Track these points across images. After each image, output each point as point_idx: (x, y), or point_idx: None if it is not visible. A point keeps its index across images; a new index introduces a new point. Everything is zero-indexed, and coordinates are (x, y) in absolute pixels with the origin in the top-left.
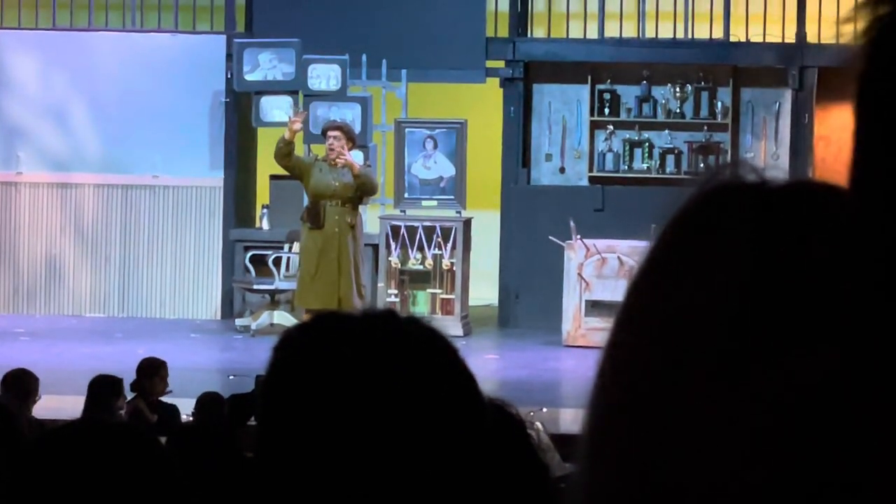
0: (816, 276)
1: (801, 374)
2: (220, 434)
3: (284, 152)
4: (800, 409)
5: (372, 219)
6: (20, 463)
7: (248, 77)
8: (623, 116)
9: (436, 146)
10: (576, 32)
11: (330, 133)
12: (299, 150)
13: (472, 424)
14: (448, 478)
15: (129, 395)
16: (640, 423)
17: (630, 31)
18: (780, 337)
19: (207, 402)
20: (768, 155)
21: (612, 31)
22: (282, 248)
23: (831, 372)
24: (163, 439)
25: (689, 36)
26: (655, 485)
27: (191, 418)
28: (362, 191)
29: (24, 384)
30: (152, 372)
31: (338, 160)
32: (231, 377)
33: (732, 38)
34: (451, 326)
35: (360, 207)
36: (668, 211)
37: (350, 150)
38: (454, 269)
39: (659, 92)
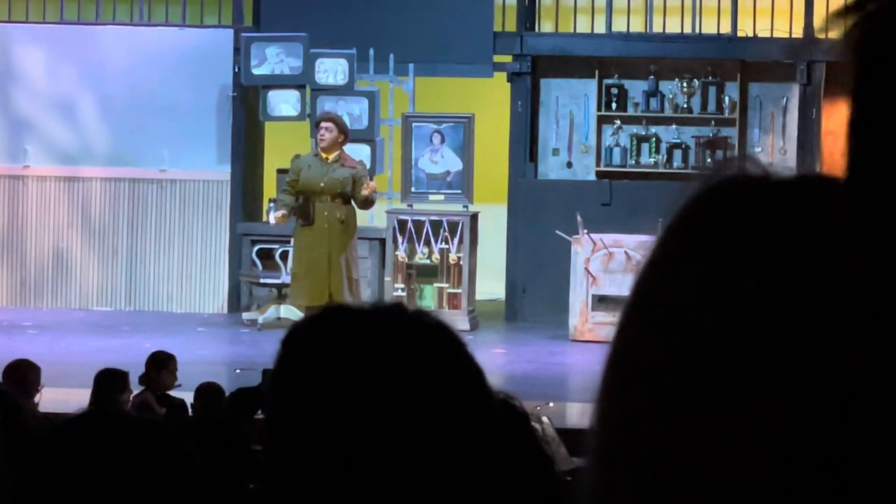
0: (821, 270)
1: (812, 372)
2: (228, 426)
3: (287, 213)
4: (811, 407)
5: (379, 213)
6: (32, 455)
7: (256, 71)
8: (630, 111)
9: (443, 140)
10: (583, 27)
11: (322, 125)
12: (306, 144)
13: (481, 418)
14: (455, 471)
15: (138, 389)
16: (647, 417)
17: (637, 26)
18: (787, 332)
19: (207, 393)
20: (776, 150)
21: (619, 25)
22: (289, 242)
23: (841, 370)
24: None
25: (697, 30)
26: (664, 479)
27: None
28: (358, 204)
29: (24, 375)
30: (161, 365)
31: (365, 190)
32: (238, 371)
33: (740, 33)
34: (457, 321)
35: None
36: (674, 206)
37: (343, 143)
38: (461, 263)
39: (666, 87)
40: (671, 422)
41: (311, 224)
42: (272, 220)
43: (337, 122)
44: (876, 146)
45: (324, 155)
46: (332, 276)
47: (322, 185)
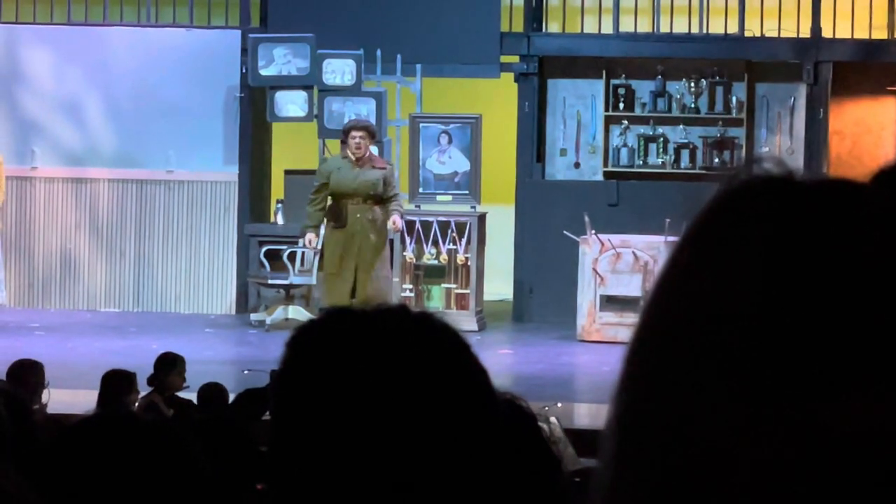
0: (848, 279)
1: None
2: (235, 427)
3: (316, 234)
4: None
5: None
6: (42, 456)
7: (263, 72)
8: (638, 111)
9: (450, 141)
10: (590, 27)
11: (355, 133)
12: (313, 145)
13: (484, 420)
14: (461, 472)
15: (146, 390)
16: (658, 420)
17: (645, 26)
18: (805, 340)
19: (209, 394)
20: (783, 150)
21: (626, 25)
22: (296, 242)
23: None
24: None
25: (704, 31)
26: (672, 483)
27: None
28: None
29: (26, 374)
30: (170, 367)
31: (395, 228)
32: (245, 372)
33: (747, 33)
34: (465, 321)
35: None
36: (693, 207)
37: (371, 145)
38: (469, 263)
39: (673, 87)
40: (683, 428)
41: (344, 226)
42: (304, 244)
43: (369, 129)
44: None
45: (353, 157)
46: (361, 277)
47: (355, 187)
